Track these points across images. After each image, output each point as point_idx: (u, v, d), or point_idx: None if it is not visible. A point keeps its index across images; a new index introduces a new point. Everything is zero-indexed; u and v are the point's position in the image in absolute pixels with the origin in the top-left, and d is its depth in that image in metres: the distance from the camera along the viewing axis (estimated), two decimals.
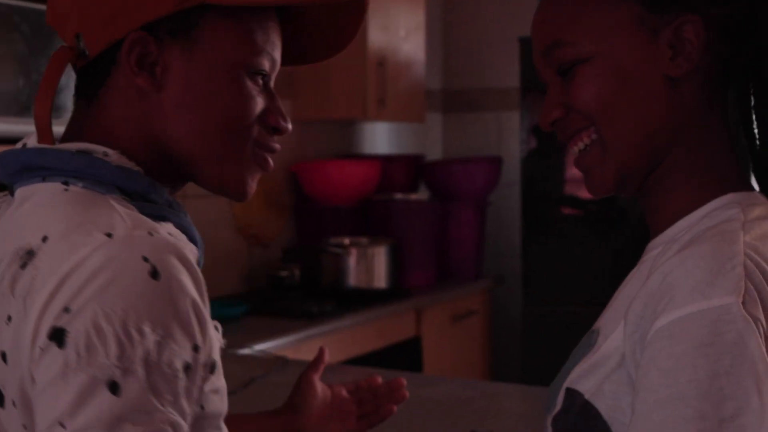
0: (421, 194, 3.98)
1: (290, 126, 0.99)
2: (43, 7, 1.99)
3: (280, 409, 1.28)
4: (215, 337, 0.90)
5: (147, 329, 0.77)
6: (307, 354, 2.69)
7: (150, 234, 0.82)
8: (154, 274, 0.79)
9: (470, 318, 3.85)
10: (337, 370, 2.41)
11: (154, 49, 0.91)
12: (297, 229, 3.76)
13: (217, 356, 0.89)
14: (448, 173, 3.97)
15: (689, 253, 0.83)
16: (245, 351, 2.50)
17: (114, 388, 0.76)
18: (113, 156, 0.90)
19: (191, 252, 0.86)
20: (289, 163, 3.72)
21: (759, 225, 0.87)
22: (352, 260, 3.37)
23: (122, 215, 0.83)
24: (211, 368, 0.87)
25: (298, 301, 3.15)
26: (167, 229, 0.87)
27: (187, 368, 0.80)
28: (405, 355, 3.42)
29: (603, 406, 0.89)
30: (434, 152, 4.72)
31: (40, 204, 0.86)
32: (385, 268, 3.43)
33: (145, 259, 0.79)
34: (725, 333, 0.77)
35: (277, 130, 0.99)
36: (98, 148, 0.90)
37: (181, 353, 0.79)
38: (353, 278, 3.38)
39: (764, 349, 0.77)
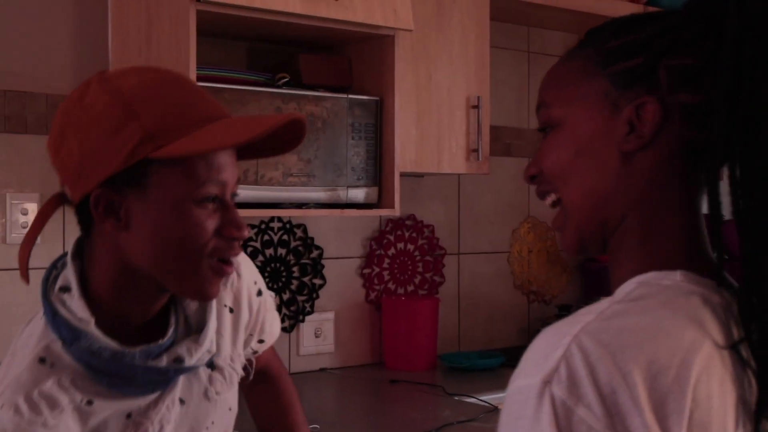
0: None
1: (246, 231, 1.17)
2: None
3: None
4: None
5: None
6: None
7: None
8: None
9: None
10: None
11: (116, 198, 1.14)
12: (582, 286, 3.84)
13: None
14: None
15: (546, 330, 0.90)
16: (470, 399, 2.68)
17: None
18: (75, 299, 1.18)
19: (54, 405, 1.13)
20: None
21: (621, 306, 0.89)
22: None
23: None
24: None
25: None
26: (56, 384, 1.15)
27: None
28: None
29: None
30: None
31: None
32: None
33: None
34: (527, 409, 0.85)
35: (234, 239, 1.17)
36: (75, 287, 1.18)
37: None
38: None
39: (565, 425, 0.83)
